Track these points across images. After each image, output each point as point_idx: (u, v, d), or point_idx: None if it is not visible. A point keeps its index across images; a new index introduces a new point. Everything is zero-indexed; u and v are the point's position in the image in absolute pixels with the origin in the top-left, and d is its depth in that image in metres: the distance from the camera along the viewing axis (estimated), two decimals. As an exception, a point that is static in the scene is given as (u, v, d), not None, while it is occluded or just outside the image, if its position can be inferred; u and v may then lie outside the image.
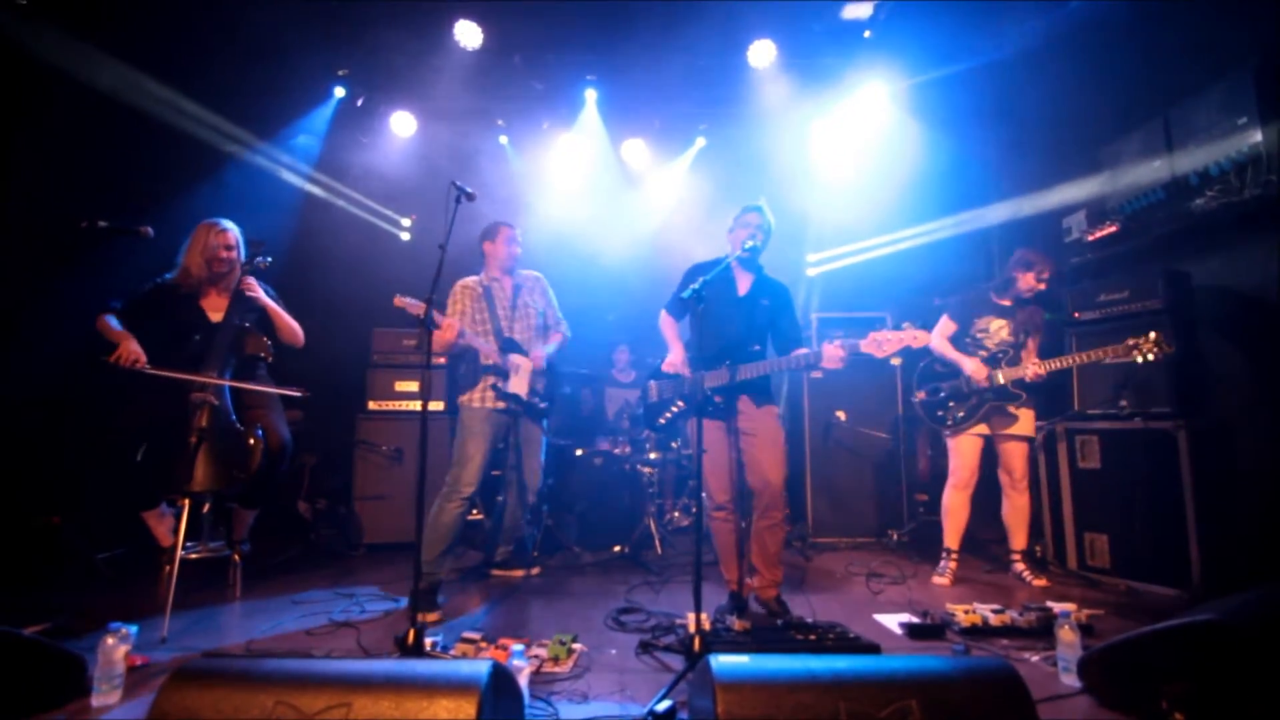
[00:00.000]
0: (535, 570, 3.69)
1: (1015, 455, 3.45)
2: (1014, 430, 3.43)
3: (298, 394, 3.13)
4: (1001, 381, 3.41)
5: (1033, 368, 3.30)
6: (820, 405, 4.66)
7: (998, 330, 3.53)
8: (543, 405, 3.34)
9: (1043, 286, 3.48)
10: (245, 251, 3.20)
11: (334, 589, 3.31)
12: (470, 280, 3.36)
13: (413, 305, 3.00)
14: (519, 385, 3.21)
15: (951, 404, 3.59)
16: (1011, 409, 3.44)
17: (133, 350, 2.78)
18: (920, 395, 3.74)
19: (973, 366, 3.48)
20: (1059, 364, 3.28)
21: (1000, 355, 3.47)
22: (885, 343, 2.60)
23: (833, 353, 2.62)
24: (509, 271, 3.40)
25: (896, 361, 4.59)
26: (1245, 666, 1.61)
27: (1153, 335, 2.97)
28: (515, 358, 3.24)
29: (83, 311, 3.83)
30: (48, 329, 3.53)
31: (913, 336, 2.60)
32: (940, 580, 3.46)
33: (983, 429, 3.51)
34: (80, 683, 1.96)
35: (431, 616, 2.79)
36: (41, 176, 3.66)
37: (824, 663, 1.38)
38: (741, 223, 2.98)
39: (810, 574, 3.68)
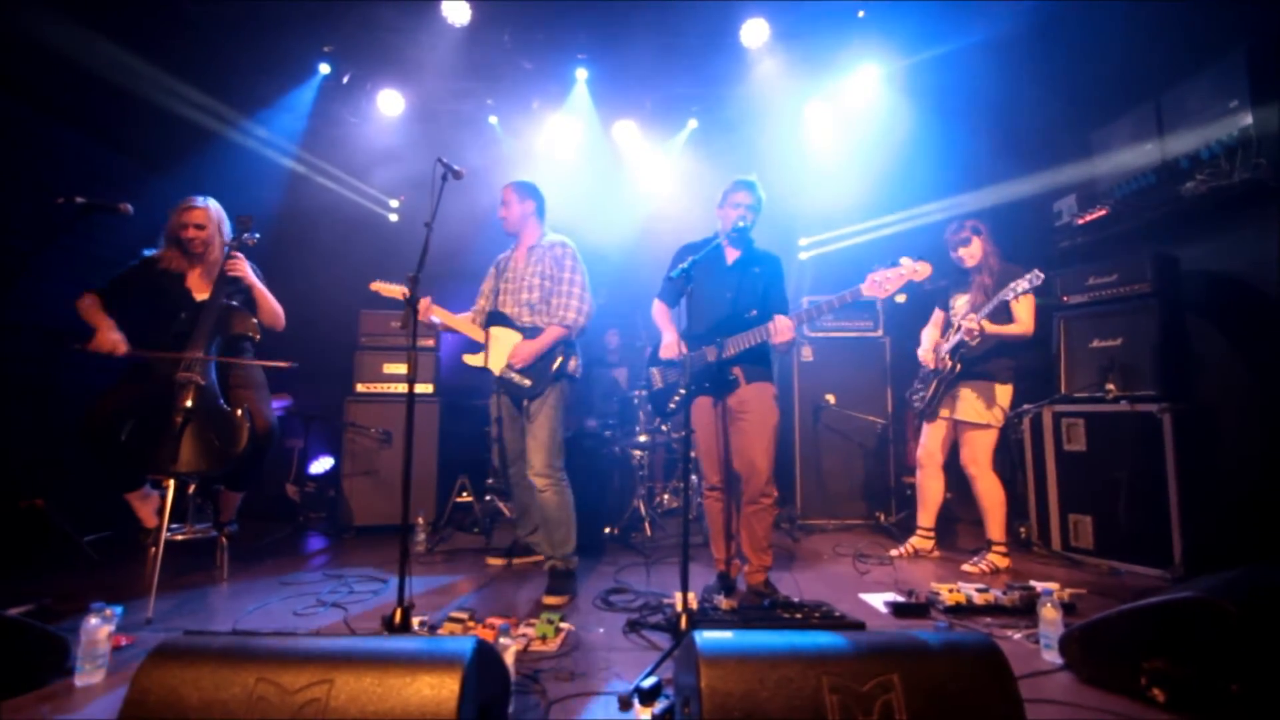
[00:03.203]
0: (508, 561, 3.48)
1: (965, 441, 3.44)
2: (963, 415, 3.40)
3: (284, 365, 3.08)
4: (942, 353, 3.45)
5: (965, 323, 3.22)
6: (810, 388, 4.68)
7: (962, 305, 3.53)
8: (526, 383, 2.95)
9: (968, 254, 3.45)
10: (231, 228, 3.16)
11: (322, 571, 3.30)
12: (500, 257, 3.30)
13: (389, 289, 2.98)
14: (494, 360, 3.02)
15: (920, 386, 3.64)
16: (958, 389, 3.42)
17: (110, 339, 2.76)
18: (915, 384, 3.79)
19: (921, 350, 3.62)
20: (987, 323, 3.20)
21: (952, 328, 3.48)
22: (886, 281, 2.58)
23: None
24: (513, 237, 3.23)
25: (901, 299, 4.55)
26: (1224, 643, 1.63)
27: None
28: (496, 330, 3.07)
29: (62, 291, 3.78)
30: (27, 308, 3.48)
31: (913, 270, 2.56)
32: (895, 553, 3.61)
33: (945, 411, 3.51)
34: (63, 663, 1.95)
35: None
36: (18, 153, 3.58)
37: (807, 638, 1.38)
38: (732, 201, 2.91)
39: (798, 555, 3.71)
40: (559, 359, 3.00)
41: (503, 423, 3.14)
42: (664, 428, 4.45)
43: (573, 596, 2.85)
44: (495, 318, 3.10)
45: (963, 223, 3.49)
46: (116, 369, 2.97)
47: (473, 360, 3.06)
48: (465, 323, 3.07)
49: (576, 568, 3.02)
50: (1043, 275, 3.02)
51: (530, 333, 3.02)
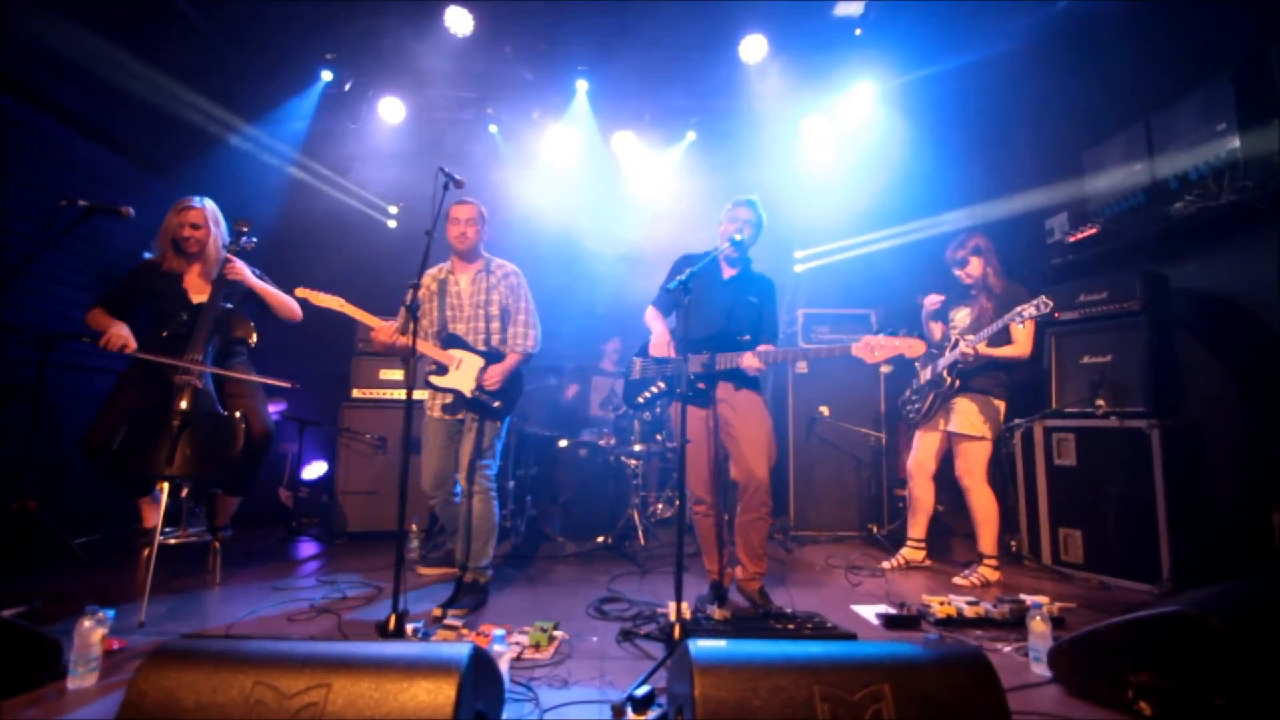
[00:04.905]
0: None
1: (959, 453, 3.46)
2: (958, 428, 3.43)
3: (288, 384, 3.10)
4: (940, 368, 3.47)
5: (961, 345, 3.31)
6: (804, 400, 4.71)
7: (961, 319, 3.57)
8: (496, 405, 2.96)
9: (966, 274, 3.50)
10: (228, 231, 3.17)
11: (315, 576, 3.30)
12: (427, 276, 3.09)
13: (319, 298, 2.88)
14: (461, 380, 2.93)
15: (915, 398, 3.68)
16: (953, 402, 3.45)
17: (120, 335, 2.77)
18: (906, 394, 3.82)
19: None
20: (983, 346, 3.27)
21: (947, 342, 3.51)
22: (878, 348, 2.56)
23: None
24: (465, 258, 3.07)
25: (886, 369, 4.62)
26: (1209, 657, 1.66)
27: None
28: (456, 352, 2.97)
29: (60, 293, 3.78)
30: (24, 310, 3.48)
31: (908, 345, 2.56)
32: (887, 565, 3.63)
33: (940, 424, 3.54)
34: (56, 666, 1.95)
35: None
36: (19, 154, 3.59)
37: (800, 648, 1.40)
38: (730, 216, 2.98)
39: (791, 566, 3.72)
40: (519, 380, 3.11)
41: (432, 445, 3.00)
42: (658, 437, 4.47)
43: (479, 608, 2.81)
44: (451, 340, 3.01)
45: (964, 241, 3.53)
46: (113, 370, 2.97)
47: (441, 382, 2.94)
48: (432, 347, 2.97)
49: (488, 582, 2.96)
50: (1050, 303, 3.04)
51: (492, 356, 3.00)
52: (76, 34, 3.74)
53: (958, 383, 3.43)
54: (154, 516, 2.92)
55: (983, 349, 3.29)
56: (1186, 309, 3.44)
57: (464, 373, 2.94)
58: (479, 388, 2.93)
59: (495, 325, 3.06)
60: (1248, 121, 3.02)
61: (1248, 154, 3.01)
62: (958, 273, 3.55)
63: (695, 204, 5.51)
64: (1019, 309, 3.11)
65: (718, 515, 2.94)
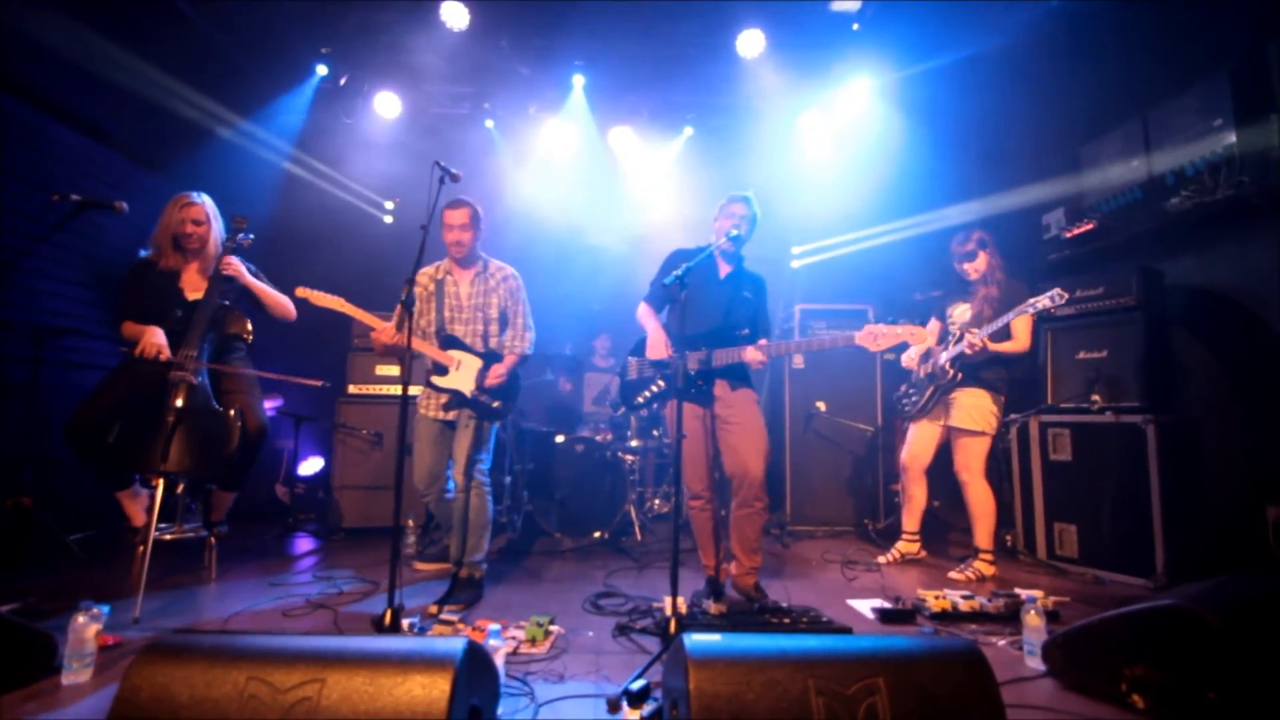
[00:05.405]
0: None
1: (959, 448, 3.46)
2: (958, 423, 3.43)
3: (317, 383, 3.11)
4: (941, 362, 3.46)
5: (968, 337, 3.29)
6: (801, 395, 4.71)
7: (960, 314, 3.57)
8: (495, 405, 2.97)
9: (973, 267, 3.51)
10: (225, 228, 3.16)
11: (311, 572, 3.30)
12: (424, 275, 3.07)
13: (320, 298, 2.85)
14: (461, 381, 2.93)
15: (911, 393, 3.69)
16: (953, 396, 3.45)
17: (154, 343, 2.80)
18: (902, 389, 3.82)
19: (905, 356, 3.69)
20: (986, 337, 3.24)
21: (951, 337, 3.50)
22: (881, 337, 2.60)
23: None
24: (462, 263, 3.06)
25: (889, 356, 4.61)
26: (1202, 651, 1.67)
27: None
28: (456, 353, 2.96)
29: (55, 289, 3.76)
30: (18, 306, 3.46)
31: (910, 332, 2.59)
32: (883, 559, 3.64)
33: (938, 417, 3.54)
34: (50, 661, 1.94)
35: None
36: (13, 150, 3.56)
37: (795, 642, 1.41)
38: (726, 212, 2.97)
39: (787, 561, 3.73)
40: (517, 380, 3.11)
41: (424, 443, 3.00)
42: (654, 432, 4.47)
43: (475, 603, 2.82)
44: (450, 341, 3.00)
45: (969, 234, 3.53)
46: (106, 366, 2.95)
47: (442, 382, 2.93)
48: (432, 347, 2.96)
49: (483, 576, 2.97)
50: (1065, 295, 3.05)
51: (490, 357, 3.00)
52: (70, 29, 3.70)
53: (960, 375, 3.42)
54: (139, 513, 2.92)
55: (989, 345, 3.28)
56: (1182, 304, 3.45)
57: (464, 373, 2.95)
58: (479, 388, 2.94)
59: (494, 328, 3.07)
60: (1244, 117, 3.03)
61: (1244, 149, 3.02)
62: (964, 266, 3.54)
63: (693, 199, 5.50)
64: (1032, 300, 3.12)
65: (714, 511, 2.94)
